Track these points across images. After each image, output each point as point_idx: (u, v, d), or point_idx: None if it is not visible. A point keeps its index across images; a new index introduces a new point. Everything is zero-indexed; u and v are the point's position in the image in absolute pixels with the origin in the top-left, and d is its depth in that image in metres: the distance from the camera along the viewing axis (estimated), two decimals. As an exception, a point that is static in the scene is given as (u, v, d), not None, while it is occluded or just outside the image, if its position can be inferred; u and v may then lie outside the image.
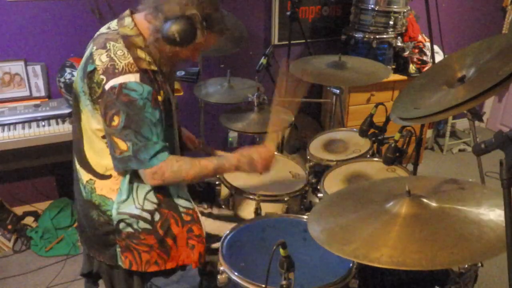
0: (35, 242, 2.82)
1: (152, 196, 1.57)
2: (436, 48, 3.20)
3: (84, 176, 1.57)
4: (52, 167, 3.01)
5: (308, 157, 2.20)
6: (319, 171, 2.10)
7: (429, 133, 4.20)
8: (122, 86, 1.39)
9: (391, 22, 3.22)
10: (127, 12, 1.53)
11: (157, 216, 1.57)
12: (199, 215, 1.68)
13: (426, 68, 3.41)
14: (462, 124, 4.44)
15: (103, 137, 1.50)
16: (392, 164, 1.87)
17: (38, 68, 2.81)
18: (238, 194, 1.89)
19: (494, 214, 1.19)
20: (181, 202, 1.63)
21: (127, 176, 1.53)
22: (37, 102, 2.77)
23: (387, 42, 3.29)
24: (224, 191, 1.96)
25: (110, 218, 1.55)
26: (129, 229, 1.56)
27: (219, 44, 1.59)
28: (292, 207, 1.89)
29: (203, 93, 2.78)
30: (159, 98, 1.48)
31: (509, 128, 4.31)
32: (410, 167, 2.16)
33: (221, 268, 1.45)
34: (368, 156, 2.15)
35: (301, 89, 2.00)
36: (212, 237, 1.71)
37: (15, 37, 2.73)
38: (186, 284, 1.63)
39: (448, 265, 1.18)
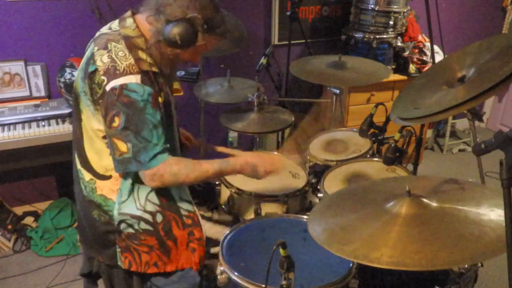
0: (35, 242, 2.82)
1: (153, 197, 1.57)
2: (436, 48, 3.20)
3: (85, 176, 1.57)
4: (52, 167, 3.01)
5: (308, 157, 2.20)
6: (319, 171, 2.10)
7: (429, 133, 4.20)
8: (123, 87, 1.39)
9: (391, 22, 3.23)
10: (129, 13, 1.53)
11: (159, 218, 1.57)
12: (200, 218, 1.68)
13: (426, 68, 3.41)
14: (462, 124, 4.44)
15: (104, 137, 1.50)
16: (392, 164, 1.87)
17: (38, 68, 2.81)
18: (238, 194, 1.89)
19: (494, 214, 1.19)
20: (182, 205, 1.63)
21: (128, 177, 1.53)
22: (37, 102, 2.77)
23: (387, 42, 3.29)
24: (224, 192, 1.96)
25: (112, 219, 1.55)
26: (130, 230, 1.55)
27: (219, 44, 1.59)
28: (292, 207, 1.89)
29: (203, 93, 2.78)
30: (160, 99, 1.48)
31: (509, 128, 4.31)
32: (410, 167, 2.16)
33: (221, 268, 1.45)
34: (368, 156, 2.15)
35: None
36: (211, 241, 1.71)
37: (15, 37, 2.73)
38: (186, 284, 1.63)
39: (448, 265, 1.18)
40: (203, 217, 1.74)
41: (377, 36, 3.25)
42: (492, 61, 1.39)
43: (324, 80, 2.60)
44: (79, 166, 1.59)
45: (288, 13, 3.03)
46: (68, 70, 2.58)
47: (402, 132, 1.86)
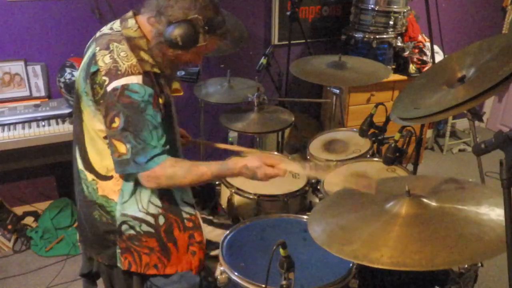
0: (35, 242, 2.82)
1: (156, 200, 1.56)
2: (436, 48, 3.20)
3: (87, 176, 1.57)
4: (52, 167, 3.01)
5: (308, 157, 2.20)
6: (319, 171, 2.10)
7: (429, 133, 4.20)
8: (124, 87, 1.39)
9: (391, 22, 3.22)
10: (130, 13, 1.53)
11: (161, 220, 1.57)
12: (201, 221, 1.68)
13: (426, 68, 3.41)
14: (462, 124, 4.44)
15: (105, 137, 1.49)
16: (392, 164, 1.87)
17: (38, 68, 2.81)
18: (238, 194, 1.89)
19: (494, 214, 1.19)
20: (184, 208, 1.63)
21: (130, 178, 1.53)
22: (37, 102, 2.77)
23: (387, 42, 3.29)
24: (224, 192, 1.96)
25: (113, 220, 1.55)
26: (131, 232, 1.55)
27: (219, 45, 1.60)
28: (292, 207, 1.89)
29: (203, 93, 2.78)
30: (160, 100, 1.48)
31: (509, 128, 4.31)
32: (410, 167, 2.16)
33: (221, 268, 1.45)
34: (368, 156, 2.15)
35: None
36: (212, 244, 1.71)
37: (15, 37, 2.73)
38: (186, 284, 1.63)
39: (448, 265, 1.18)
40: (203, 220, 1.74)
41: (377, 36, 3.25)
42: (492, 61, 1.39)
43: (324, 80, 2.61)
44: (80, 166, 1.59)
45: (288, 13, 3.03)
46: (68, 70, 2.58)
47: (402, 132, 1.86)
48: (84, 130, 1.55)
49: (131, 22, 1.50)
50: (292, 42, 3.13)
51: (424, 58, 3.47)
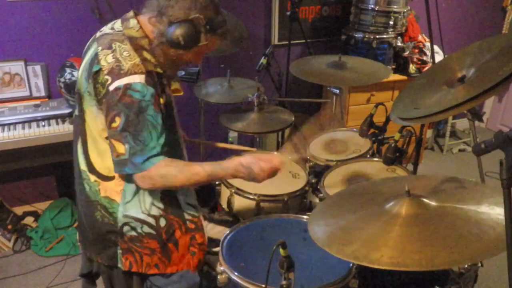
0: (35, 242, 2.82)
1: (159, 201, 1.56)
2: (436, 48, 3.20)
3: (90, 177, 1.57)
4: (52, 167, 3.01)
5: (308, 157, 2.20)
6: (319, 171, 2.10)
7: (429, 133, 4.20)
8: (127, 86, 1.39)
9: (391, 22, 3.23)
10: (131, 13, 1.53)
11: (162, 222, 1.57)
12: (203, 222, 1.68)
13: (426, 68, 3.41)
14: (462, 124, 4.44)
15: (107, 138, 1.49)
16: (392, 164, 1.87)
17: (38, 68, 2.81)
18: (238, 194, 1.89)
19: (494, 213, 1.19)
20: (187, 210, 1.63)
21: (131, 179, 1.52)
22: (37, 102, 2.77)
23: (387, 42, 3.29)
24: (224, 192, 1.96)
25: (115, 221, 1.54)
26: (133, 233, 1.55)
27: (220, 44, 1.60)
28: (292, 207, 1.89)
29: (203, 93, 2.78)
30: (161, 100, 1.48)
31: (509, 128, 4.31)
32: (410, 167, 2.16)
33: (221, 268, 1.45)
34: (368, 156, 2.15)
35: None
36: (213, 241, 1.71)
37: (15, 37, 2.73)
38: (186, 284, 1.63)
39: (448, 265, 1.18)
40: (204, 217, 1.74)
41: (377, 36, 3.25)
42: (492, 61, 1.39)
43: (324, 80, 2.60)
44: (83, 167, 1.58)
45: (288, 13, 3.03)
46: (68, 70, 2.58)
47: (402, 132, 1.86)
48: (86, 131, 1.55)
49: (132, 22, 1.50)
50: (292, 42, 3.12)
51: (424, 58, 3.47)
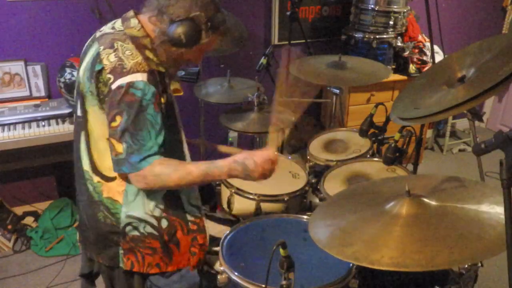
0: (35, 242, 2.82)
1: (162, 202, 1.56)
2: (436, 48, 3.20)
3: (93, 177, 1.57)
4: (52, 167, 3.01)
5: (308, 157, 2.20)
6: (319, 171, 2.11)
7: (429, 133, 4.20)
8: (130, 85, 1.39)
9: (391, 22, 3.23)
10: (131, 13, 1.53)
11: (164, 223, 1.57)
12: (205, 223, 1.68)
13: (426, 68, 3.41)
14: (462, 124, 4.44)
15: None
16: (392, 164, 1.87)
17: (38, 68, 2.81)
18: (238, 194, 1.89)
19: (494, 212, 1.19)
20: (190, 211, 1.63)
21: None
22: (37, 102, 2.77)
23: (387, 42, 3.29)
24: (224, 192, 1.96)
25: (118, 221, 1.54)
26: (135, 233, 1.55)
27: (221, 43, 1.60)
28: (292, 207, 1.89)
29: (203, 93, 2.78)
30: (162, 100, 1.48)
31: (509, 128, 4.31)
32: (410, 167, 2.16)
33: (221, 268, 1.45)
34: (368, 156, 2.15)
35: (309, 90, 1.90)
36: (215, 240, 1.70)
37: (15, 37, 2.73)
38: (186, 284, 1.63)
39: (448, 265, 1.18)
40: (206, 216, 1.73)
41: (377, 36, 3.25)
42: (492, 61, 1.39)
43: (324, 80, 2.60)
44: (86, 167, 1.57)
45: (288, 13, 3.03)
46: (68, 70, 2.58)
47: (402, 132, 1.86)
48: (89, 131, 1.54)
49: (133, 21, 1.50)
50: (292, 42, 3.12)
51: (424, 58, 3.47)
